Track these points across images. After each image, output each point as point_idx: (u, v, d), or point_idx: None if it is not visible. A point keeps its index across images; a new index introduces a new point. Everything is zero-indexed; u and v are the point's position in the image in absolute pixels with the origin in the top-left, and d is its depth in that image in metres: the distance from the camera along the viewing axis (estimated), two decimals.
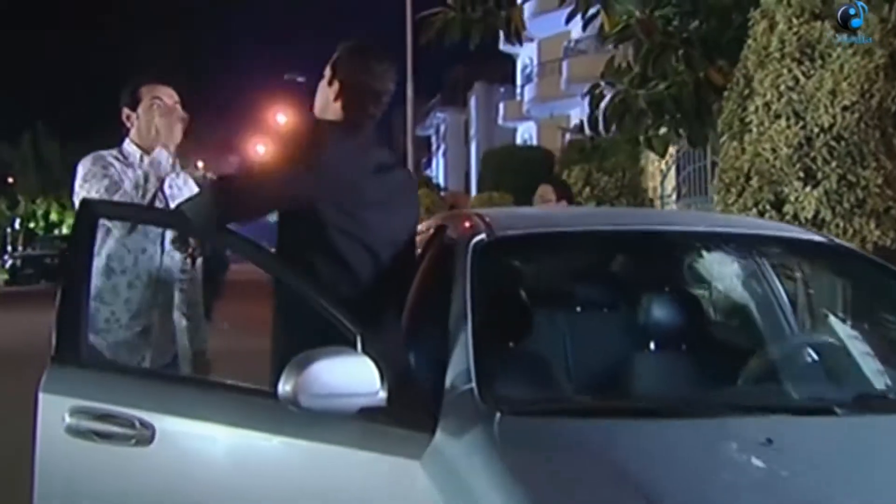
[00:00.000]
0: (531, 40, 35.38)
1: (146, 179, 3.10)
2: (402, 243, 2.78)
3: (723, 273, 2.68)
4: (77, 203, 3.12)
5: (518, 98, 37.40)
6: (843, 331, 2.74)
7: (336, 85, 2.82)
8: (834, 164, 4.69)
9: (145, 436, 2.25)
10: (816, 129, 4.73)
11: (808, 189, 4.73)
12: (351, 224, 2.60)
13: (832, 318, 2.86)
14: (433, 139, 53.58)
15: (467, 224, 2.83)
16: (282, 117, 44.52)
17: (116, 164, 3.20)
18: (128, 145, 3.30)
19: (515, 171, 17.07)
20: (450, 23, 7.23)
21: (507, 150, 23.05)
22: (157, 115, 3.24)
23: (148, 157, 3.21)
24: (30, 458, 2.34)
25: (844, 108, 4.68)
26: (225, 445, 2.22)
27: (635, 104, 6.22)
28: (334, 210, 2.58)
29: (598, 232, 2.62)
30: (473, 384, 2.07)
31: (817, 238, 2.76)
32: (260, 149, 59.47)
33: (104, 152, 3.26)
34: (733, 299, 2.62)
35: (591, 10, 6.89)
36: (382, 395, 2.11)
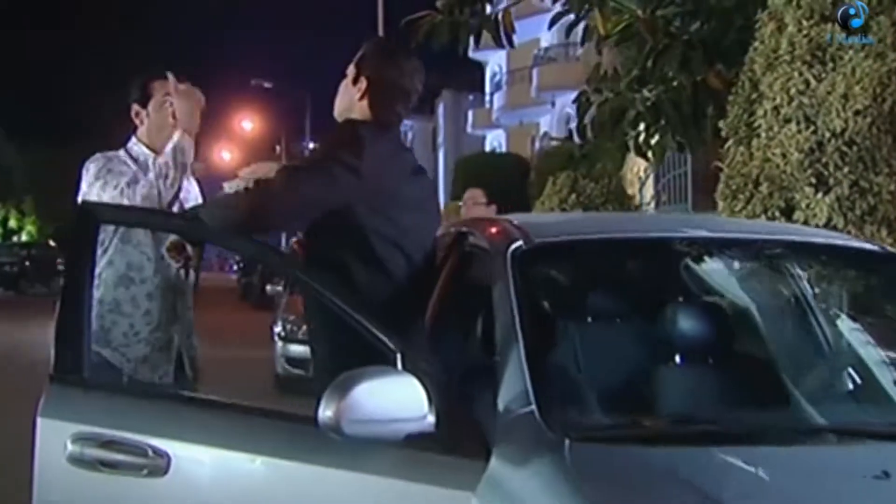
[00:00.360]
0: (501, 47, 35.31)
1: (166, 172, 2.83)
2: (431, 248, 2.67)
3: (775, 281, 2.51)
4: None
5: (487, 106, 37.32)
6: None
7: (362, 83, 2.66)
8: (846, 169, 4.56)
9: (159, 465, 2.02)
10: (828, 134, 4.59)
11: (819, 195, 4.60)
12: (388, 227, 2.47)
13: None
14: None
15: (495, 230, 2.64)
16: (248, 124, 44.22)
17: (130, 163, 2.97)
18: (135, 145, 3.05)
19: (488, 178, 16.95)
20: (437, 26, 7.05)
21: (480, 157, 22.95)
22: (169, 114, 2.98)
23: (158, 157, 2.96)
24: (28, 490, 2.10)
25: (856, 113, 4.55)
26: (254, 477, 1.99)
27: (632, 108, 6.07)
28: (372, 213, 2.44)
29: (647, 239, 2.44)
30: (534, 407, 1.87)
31: (869, 246, 2.60)
32: (225, 155, 59.04)
33: (111, 153, 3.01)
34: (791, 310, 2.45)
35: (582, 15, 6.80)
36: (430, 419, 1.90)
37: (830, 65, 4.67)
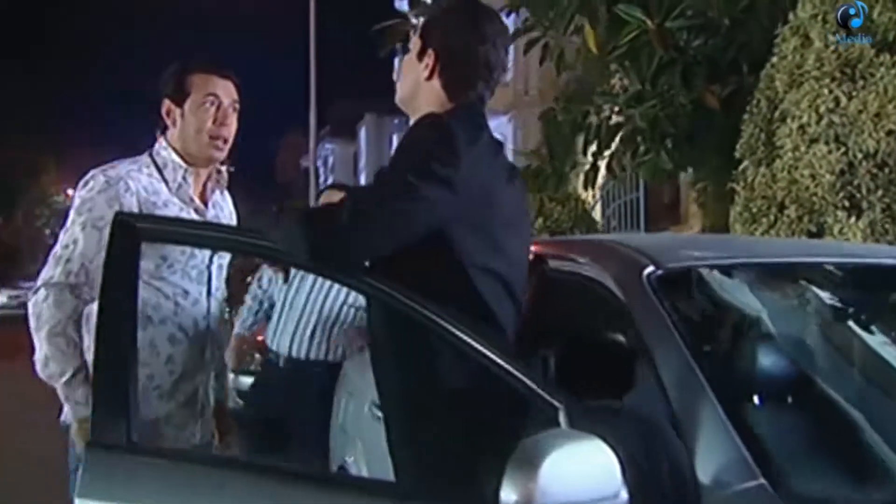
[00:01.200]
0: None
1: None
2: (525, 276, 2.13)
3: None
4: (61, 243, 2.35)
5: None
6: None
7: (430, 56, 2.08)
8: (879, 193, 4.31)
9: None
10: (860, 155, 4.35)
11: (853, 220, 4.34)
12: (487, 253, 1.94)
13: None
14: (321, 170, 52.58)
15: (606, 254, 2.21)
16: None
17: (143, 180, 2.42)
18: (163, 150, 2.47)
19: None
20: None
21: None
22: (209, 117, 2.44)
23: (189, 168, 2.45)
24: None
25: (889, 133, 4.31)
26: None
27: (629, 124, 5.78)
28: (469, 237, 1.91)
29: (805, 264, 2.06)
30: (762, 480, 1.45)
31: None
32: None
33: (126, 165, 2.43)
34: None
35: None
36: (624, 495, 1.46)
37: (861, 82, 4.43)
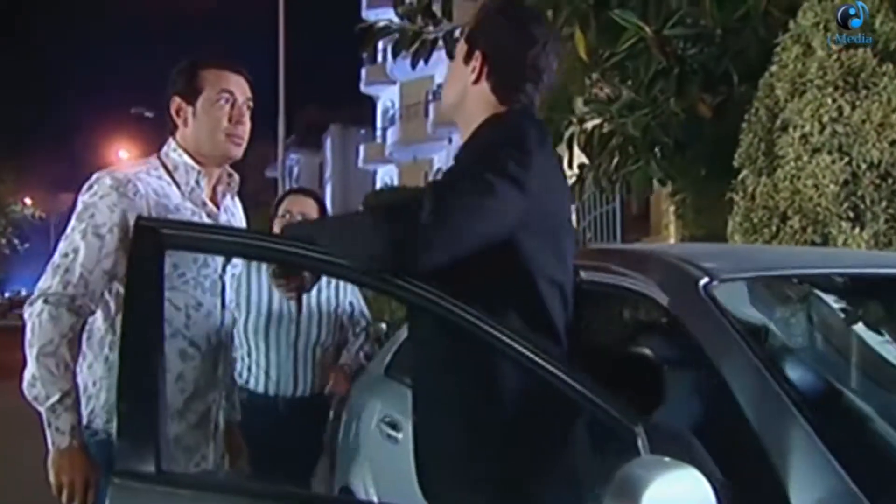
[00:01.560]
0: (393, 83, 35.14)
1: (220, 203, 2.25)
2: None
3: None
4: (59, 251, 2.18)
5: (379, 141, 36.91)
6: None
7: (476, 59, 2.01)
8: (884, 204, 4.26)
9: None
10: (864, 166, 4.29)
11: (857, 231, 4.28)
12: (555, 265, 1.85)
13: None
14: (286, 181, 52.17)
15: (653, 264, 2.09)
16: (124, 153, 42.09)
17: (153, 183, 2.25)
18: (172, 152, 2.33)
19: None
20: (402, 34, 6.57)
21: (394, 191, 22.19)
22: (224, 115, 2.30)
23: (202, 171, 2.30)
24: None
25: (892, 143, 4.27)
26: None
27: (621, 134, 5.69)
28: (541, 243, 1.81)
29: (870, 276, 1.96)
30: None
31: None
32: None
33: (134, 167, 2.28)
34: None
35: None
36: None
37: (864, 91, 4.38)
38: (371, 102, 39.18)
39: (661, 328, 1.94)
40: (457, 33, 6.68)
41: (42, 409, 2.07)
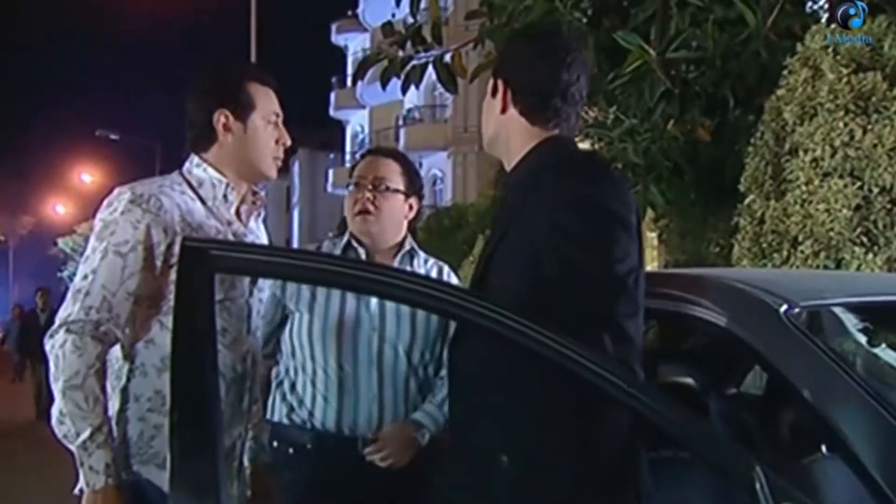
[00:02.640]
0: (363, 107, 35.07)
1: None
2: None
3: None
4: (79, 275, 2.01)
5: (348, 165, 36.71)
6: None
7: (500, 87, 1.99)
8: None
9: None
10: (876, 190, 4.24)
11: (869, 256, 4.21)
12: (642, 295, 1.73)
13: None
14: None
15: (705, 291, 1.97)
16: (87, 176, 41.48)
17: (177, 198, 2.08)
18: (196, 168, 2.18)
19: None
20: (392, 63, 6.48)
21: None
22: (273, 137, 2.19)
23: (231, 184, 2.14)
24: None
25: None
26: None
27: (621, 159, 5.61)
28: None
29: None
30: None
31: None
32: (59, 209, 55.46)
33: (157, 182, 2.11)
34: None
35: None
36: None
37: (875, 115, 4.34)
38: (341, 127, 39.05)
39: (734, 356, 1.81)
40: (447, 58, 6.61)
41: (73, 448, 1.89)
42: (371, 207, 2.59)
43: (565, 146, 1.97)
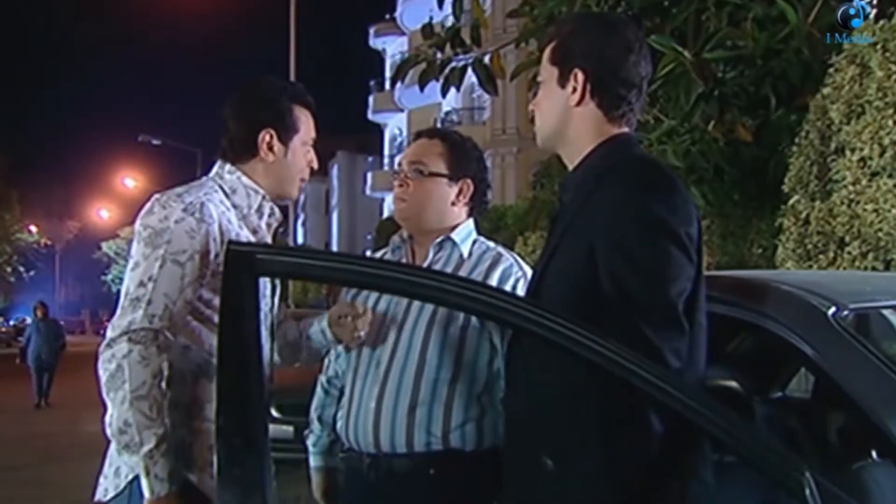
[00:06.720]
0: (401, 110, 35.19)
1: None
2: None
3: None
4: (133, 282, 2.00)
5: (387, 168, 36.87)
6: None
7: (577, 78, 1.82)
8: None
9: None
10: None
11: None
12: (704, 302, 1.74)
13: None
14: (291, 208, 52.18)
15: (752, 294, 1.94)
16: (130, 181, 42.07)
17: (219, 207, 2.09)
18: (229, 174, 2.19)
19: None
20: (431, 66, 6.48)
21: None
22: (308, 162, 2.26)
23: (266, 195, 2.17)
24: None
25: None
26: None
27: (662, 160, 5.54)
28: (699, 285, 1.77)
29: None
30: None
31: None
32: (104, 214, 56.15)
33: (200, 189, 2.11)
34: None
35: None
36: None
37: None
38: (379, 130, 39.24)
39: (780, 361, 1.78)
40: (486, 59, 6.60)
41: (137, 458, 1.90)
42: (403, 193, 2.42)
43: (629, 147, 1.84)
